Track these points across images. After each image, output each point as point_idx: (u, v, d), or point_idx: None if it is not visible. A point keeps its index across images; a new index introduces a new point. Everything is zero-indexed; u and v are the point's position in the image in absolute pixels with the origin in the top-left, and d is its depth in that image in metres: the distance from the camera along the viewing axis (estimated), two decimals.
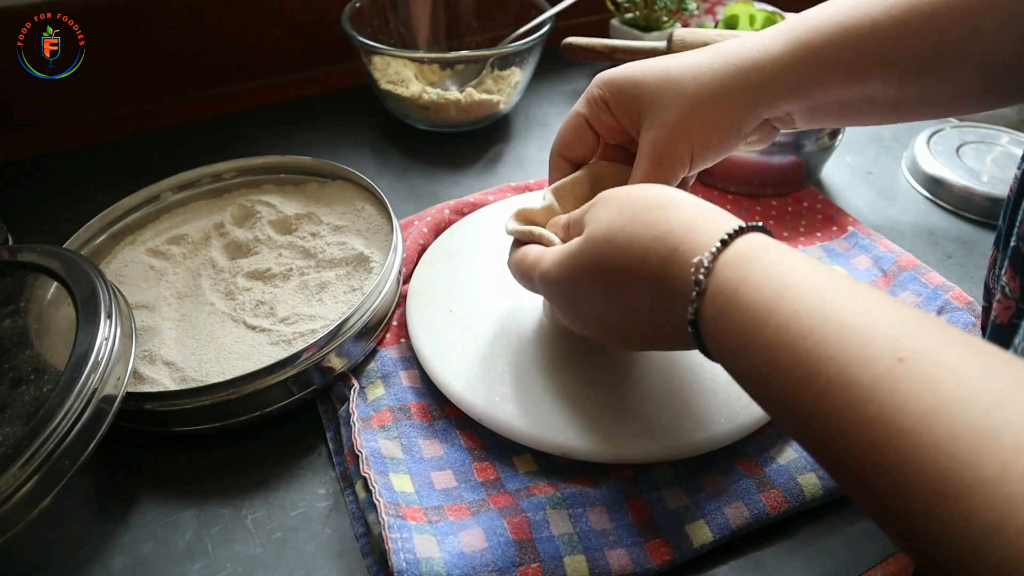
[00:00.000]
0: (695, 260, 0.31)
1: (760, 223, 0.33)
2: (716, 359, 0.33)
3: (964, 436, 0.22)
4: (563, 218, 0.43)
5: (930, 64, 0.39)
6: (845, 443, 0.25)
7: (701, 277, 0.31)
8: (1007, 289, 0.36)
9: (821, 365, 0.26)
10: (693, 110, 0.41)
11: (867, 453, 0.24)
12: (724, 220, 0.33)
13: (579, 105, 0.46)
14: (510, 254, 0.45)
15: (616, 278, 0.35)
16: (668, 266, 0.33)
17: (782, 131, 0.64)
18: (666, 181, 0.42)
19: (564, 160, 0.48)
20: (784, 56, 0.41)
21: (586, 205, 0.40)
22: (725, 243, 0.31)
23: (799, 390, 0.26)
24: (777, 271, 0.29)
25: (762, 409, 0.31)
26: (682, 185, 0.47)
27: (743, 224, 0.32)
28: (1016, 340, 0.32)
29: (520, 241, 0.45)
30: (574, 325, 0.42)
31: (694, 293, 0.31)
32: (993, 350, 0.24)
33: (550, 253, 0.40)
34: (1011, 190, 0.39)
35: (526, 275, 0.42)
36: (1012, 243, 0.36)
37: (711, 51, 0.43)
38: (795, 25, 0.41)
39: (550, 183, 0.48)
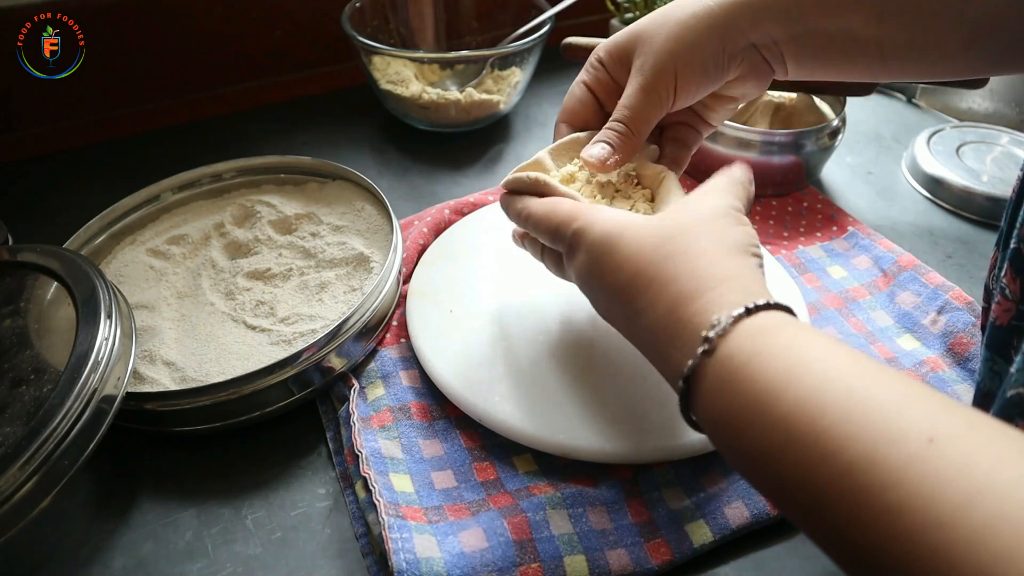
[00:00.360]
0: (713, 318, 0.30)
1: (784, 303, 0.31)
2: (705, 427, 0.31)
3: (1004, 528, 0.20)
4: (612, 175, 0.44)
5: (909, 3, 0.39)
6: (866, 531, 0.23)
7: (713, 335, 0.29)
8: (1007, 291, 0.36)
9: (843, 443, 0.24)
10: (675, 31, 0.42)
11: (893, 542, 0.22)
12: (754, 290, 0.32)
13: (580, 73, 0.47)
14: (514, 208, 0.44)
15: (643, 276, 0.34)
16: (683, 307, 0.31)
17: (782, 132, 0.64)
18: (651, 103, 0.42)
19: (568, 127, 0.48)
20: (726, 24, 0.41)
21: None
22: (749, 311, 0.30)
23: (816, 469, 0.24)
24: (798, 343, 0.28)
25: (760, 491, 0.29)
26: (681, 144, 0.48)
27: (771, 300, 0.31)
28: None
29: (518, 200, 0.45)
30: (578, 278, 0.40)
31: (700, 350, 0.29)
32: (1012, 429, 0.23)
33: (605, 211, 0.38)
34: (1013, 191, 0.39)
35: (555, 230, 0.40)
36: (1012, 244, 0.36)
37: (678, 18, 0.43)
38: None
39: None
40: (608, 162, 0.43)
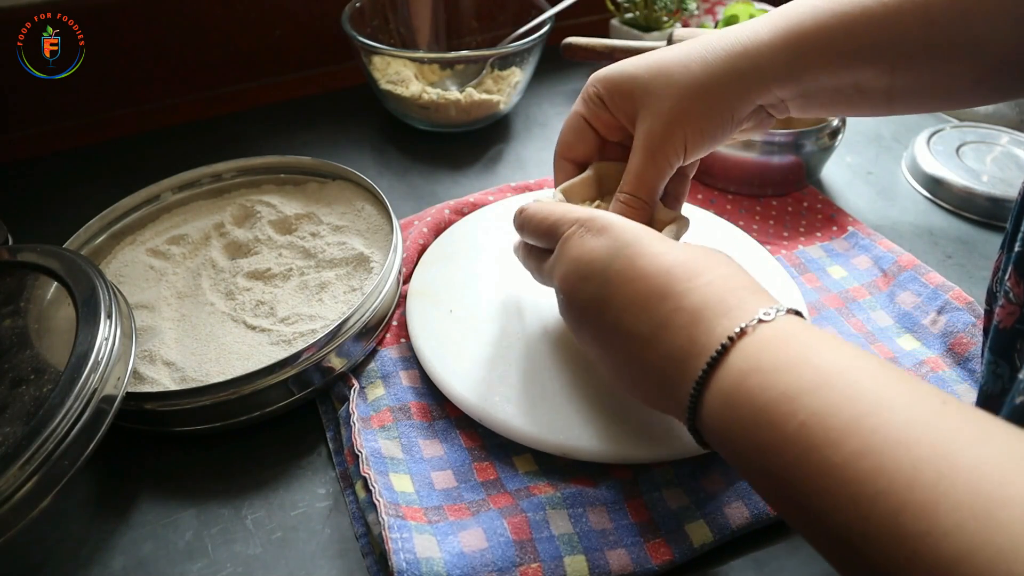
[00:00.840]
0: (735, 330, 0.31)
1: (793, 308, 0.33)
2: (711, 430, 0.32)
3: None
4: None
5: (921, 53, 0.39)
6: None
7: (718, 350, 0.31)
8: (1011, 294, 0.36)
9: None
10: (685, 98, 0.41)
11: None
12: (764, 298, 0.34)
13: (577, 105, 0.46)
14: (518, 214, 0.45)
15: (664, 287, 0.35)
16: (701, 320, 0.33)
17: (781, 132, 0.64)
18: (662, 171, 0.43)
19: (567, 161, 0.48)
20: (776, 42, 0.41)
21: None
22: (766, 317, 0.31)
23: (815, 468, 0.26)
24: (821, 346, 0.30)
25: (758, 489, 0.31)
26: (681, 176, 0.47)
27: (777, 307, 0.32)
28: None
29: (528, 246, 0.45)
30: (564, 275, 0.40)
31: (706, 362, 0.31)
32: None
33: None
34: (1020, 194, 0.39)
35: (552, 226, 0.41)
36: (1017, 248, 0.36)
37: (702, 41, 0.43)
38: (786, 12, 0.41)
39: (555, 185, 0.48)
40: None
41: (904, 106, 0.43)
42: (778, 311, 0.31)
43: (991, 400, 0.39)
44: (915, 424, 0.25)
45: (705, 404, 0.32)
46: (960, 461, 0.24)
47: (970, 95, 0.42)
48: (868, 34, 0.39)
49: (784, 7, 0.42)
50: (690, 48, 0.42)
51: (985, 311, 0.44)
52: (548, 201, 0.44)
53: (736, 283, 0.34)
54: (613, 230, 0.37)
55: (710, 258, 0.36)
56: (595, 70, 0.47)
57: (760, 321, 0.31)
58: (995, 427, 0.25)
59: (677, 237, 0.44)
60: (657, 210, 0.45)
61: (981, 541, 0.21)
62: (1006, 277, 0.37)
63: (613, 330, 0.36)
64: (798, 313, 0.33)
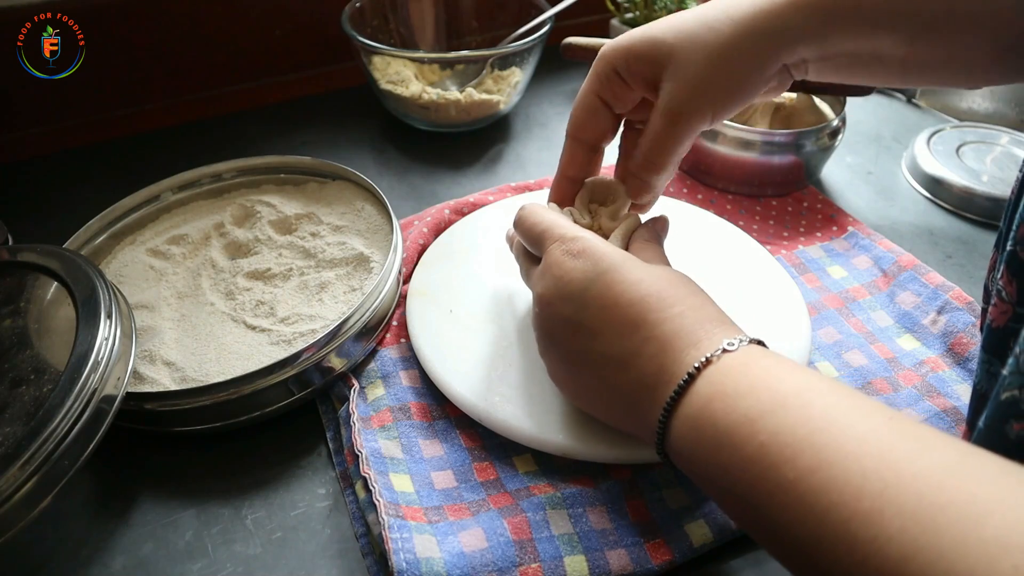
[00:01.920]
0: (695, 363, 0.33)
1: (756, 338, 0.35)
2: (678, 453, 0.34)
3: (972, 551, 0.22)
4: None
5: (944, 23, 0.39)
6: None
7: (691, 372, 0.33)
8: (1003, 293, 0.36)
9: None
10: (714, 60, 0.40)
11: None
12: (730, 329, 0.35)
13: (588, 82, 0.44)
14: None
15: (645, 309, 0.36)
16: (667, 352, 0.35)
17: (781, 132, 0.64)
18: (681, 138, 0.42)
19: (579, 141, 0.46)
20: (799, 1, 0.39)
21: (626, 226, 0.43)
22: (698, 368, 0.33)
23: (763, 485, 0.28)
24: (778, 370, 0.32)
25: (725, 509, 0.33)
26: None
27: (740, 338, 0.34)
28: (1017, 349, 0.32)
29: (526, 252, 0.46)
30: (542, 293, 0.41)
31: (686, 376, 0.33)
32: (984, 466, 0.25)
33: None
34: (1012, 192, 0.39)
35: (539, 236, 0.42)
36: (1008, 247, 0.36)
37: (723, 1, 0.41)
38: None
39: (564, 167, 0.47)
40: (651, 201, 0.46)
41: (918, 78, 0.43)
42: (741, 341, 0.34)
43: (984, 398, 0.39)
44: (863, 438, 0.27)
45: (673, 428, 0.34)
46: (904, 470, 0.25)
47: (983, 73, 0.42)
48: (893, 1, 0.39)
49: None
50: (713, 8, 0.41)
51: (983, 309, 0.44)
52: (543, 207, 0.45)
53: (704, 315, 0.36)
54: (592, 254, 0.38)
55: (680, 288, 0.37)
56: None
57: (724, 351, 0.33)
58: (937, 439, 0.27)
59: (627, 234, 0.44)
60: (604, 216, 0.46)
61: (924, 543, 0.23)
62: (998, 276, 0.37)
63: (584, 352, 0.38)
64: (761, 343, 0.35)
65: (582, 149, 0.46)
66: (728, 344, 0.33)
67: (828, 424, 0.28)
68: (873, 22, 0.40)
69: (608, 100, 0.44)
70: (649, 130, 0.42)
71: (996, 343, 0.37)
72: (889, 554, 0.24)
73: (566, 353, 0.40)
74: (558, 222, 0.42)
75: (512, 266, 0.55)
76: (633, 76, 0.43)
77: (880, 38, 0.40)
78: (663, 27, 0.42)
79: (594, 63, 0.44)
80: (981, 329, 0.43)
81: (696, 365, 0.33)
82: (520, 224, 0.44)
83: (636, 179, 0.45)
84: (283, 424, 0.48)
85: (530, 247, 0.44)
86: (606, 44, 0.44)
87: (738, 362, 0.33)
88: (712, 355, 0.33)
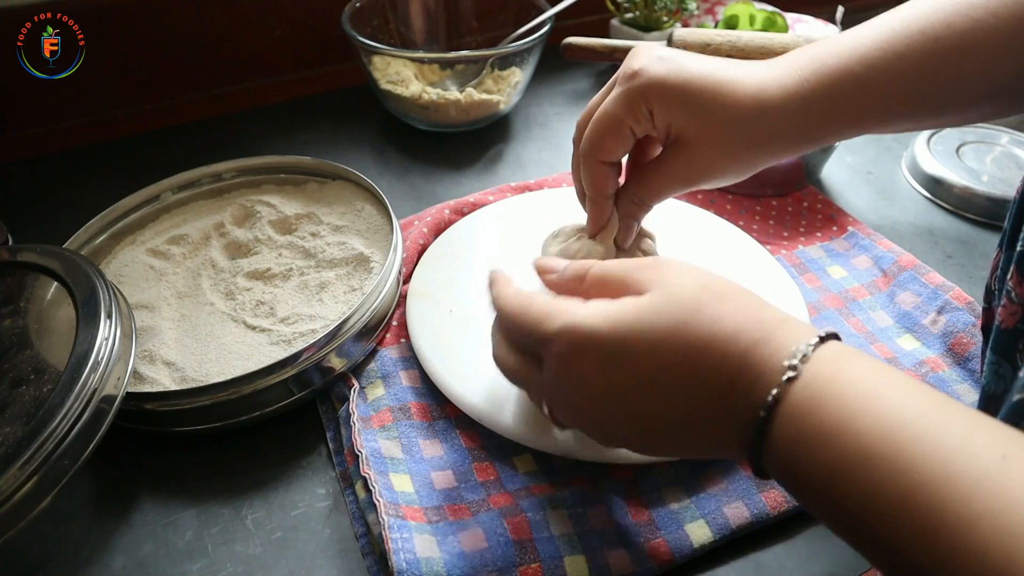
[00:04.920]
0: (793, 348, 0.30)
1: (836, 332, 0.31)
2: (775, 461, 0.30)
3: None
4: (562, 264, 0.38)
5: (949, 106, 0.41)
6: (936, 545, 0.23)
7: (797, 363, 0.29)
8: (1013, 294, 0.36)
9: (919, 459, 0.25)
10: (730, 149, 0.41)
11: (966, 554, 0.23)
12: (807, 326, 0.32)
13: (617, 107, 0.41)
14: (498, 298, 0.38)
15: (689, 351, 0.31)
16: (759, 348, 0.30)
17: None
18: (681, 192, 0.44)
19: (604, 163, 0.43)
20: (818, 99, 0.40)
21: (616, 263, 0.36)
22: (822, 340, 0.30)
23: (889, 485, 0.25)
24: (873, 366, 0.29)
25: (829, 521, 0.29)
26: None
27: (831, 331, 0.31)
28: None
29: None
30: (567, 406, 0.35)
31: (785, 378, 0.29)
32: None
33: (589, 305, 0.33)
34: (1018, 191, 0.39)
35: (528, 329, 0.35)
36: (1019, 247, 0.35)
37: (755, 77, 0.41)
38: (828, 62, 0.40)
39: (600, 189, 0.44)
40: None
41: (918, 129, 0.45)
42: (825, 335, 0.31)
43: (993, 400, 0.39)
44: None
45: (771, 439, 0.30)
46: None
47: (986, 118, 0.45)
48: (902, 100, 0.40)
49: (826, 50, 0.41)
50: (746, 84, 0.40)
51: (984, 309, 0.44)
52: (513, 284, 0.38)
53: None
54: (596, 341, 0.32)
55: (686, 336, 0.32)
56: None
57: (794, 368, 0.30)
58: None
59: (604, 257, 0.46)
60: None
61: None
62: (1007, 277, 0.37)
63: (640, 421, 0.33)
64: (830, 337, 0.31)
65: (611, 169, 0.44)
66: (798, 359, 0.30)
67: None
68: (885, 120, 0.41)
69: (634, 130, 0.42)
70: (659, 181, 0.43)
71: (1005, 345, 0.37)
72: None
73: (618, 431, 0.35)
74: (544, 309, 0.34)
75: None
76: (661, 119, 0.41)
77: (890, 127, 0.42)
78: (701, 84, 0.40)
79: (626, 88, 0.41)
80: (983, 329, 0.43)
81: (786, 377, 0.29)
82: (501, 310, 0.38)
83: (635, 206, 0.45)
84: (283, 424, 0.48)
85: (518, 338, 0.37)
86: (645, 78, 0.40)
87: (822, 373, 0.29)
88: (798, 361, 0.30)
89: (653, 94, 0.40)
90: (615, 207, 0.46)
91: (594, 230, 0.46)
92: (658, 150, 0.45)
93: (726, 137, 0.41)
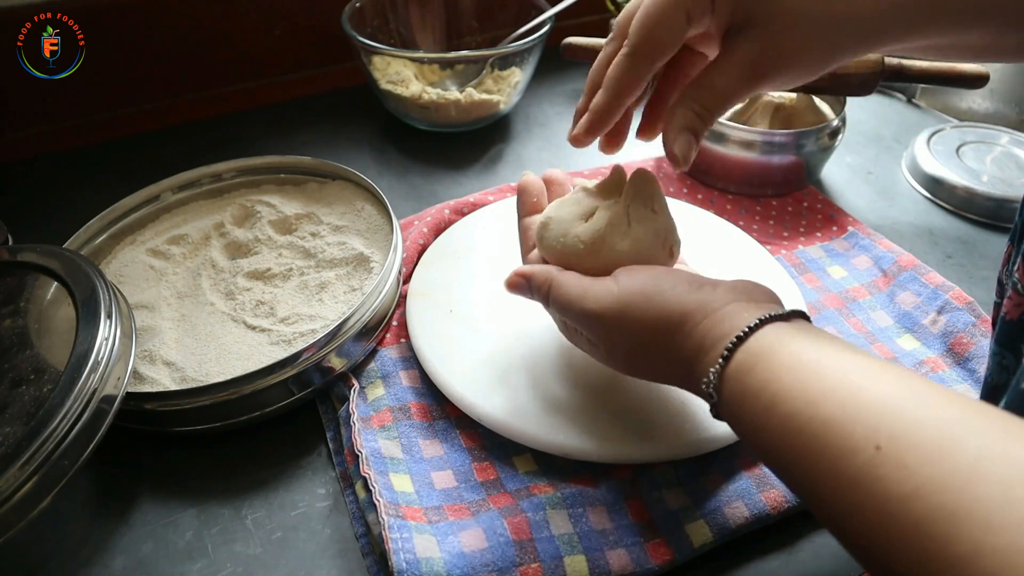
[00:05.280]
0: (703, 381, 0.35)
1: (767, 316, 0.35)
2: (725, 407, 0.35)
3: (939, 517, 0.23)
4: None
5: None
6: (842, 524, 0.27)
7: (711, 392, 0.35)
8: (1019, 286, 0.36)
9: (813, 461, 0.28)
10: (808, 30, 0.36)
11: (861, 533, 0.26)
12: (727, 329, 0.35)
13: None
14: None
15: (667, 326, 0.37)
16: (689, 381, 0.37)
17: (781, 132, 0.64)
18: (743, 97, 0.39)
19: (646, 60, 0.38)
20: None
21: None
22: (726, 358, 0.34)
23: (803, 481, 0.29)
24: (770, 376, 0.32)
25: (764, 461, 0.33)
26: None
27: (739, 335, 0.34)
28: None
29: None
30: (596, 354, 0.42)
31: (710, 404, 0.35)
32: (973, 414, 0.26)
33: (596, 287, 0.39)
34: None
35: (567, 305, 0.40)
36: None
37: None
38: None
39: (626, 88, 0.38)
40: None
41: (991, 59, 0.42)
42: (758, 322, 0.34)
43: (996, 391, 0.39)
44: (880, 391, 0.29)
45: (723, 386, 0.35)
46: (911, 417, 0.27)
47: None
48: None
49: None
50: None
51: (995, 303, 0.44)
52: (567, 279, 0.41)
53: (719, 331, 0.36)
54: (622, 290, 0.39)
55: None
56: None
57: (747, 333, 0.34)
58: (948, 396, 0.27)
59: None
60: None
61: (907, 511, 0.24)
62: (1014, 268, 0.37)
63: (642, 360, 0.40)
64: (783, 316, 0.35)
65: (648, 70, 0.38)
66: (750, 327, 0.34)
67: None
68: (961, 22, 0.37)
69: (691, 13, 0.37)
70: (723, 83, 0.37)
71: (1010, 336, 0.37)
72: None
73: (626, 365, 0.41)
74: (586, 294, 0.40)
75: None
76: (722, 7, 0.36)
77: (967, 34, 0.38)
78: None
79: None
80: (994, 323, 0.43)
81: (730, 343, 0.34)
82: (555, 301, 0.41)
83: (696, 115, 0.38)
84: (283, 424, 0.48)
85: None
86: None
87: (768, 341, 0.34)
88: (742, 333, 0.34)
89: None
90: (670, 119, 0.39)
91: (583, 133, 0.40)
92: (696, 71, 0.40)
93: (804, 13, 0.36)
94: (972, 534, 0.22)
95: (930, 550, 0.23)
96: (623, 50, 0.38)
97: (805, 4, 0.36)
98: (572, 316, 0.40)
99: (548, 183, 0.49)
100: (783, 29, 0.36)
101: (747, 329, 0.34)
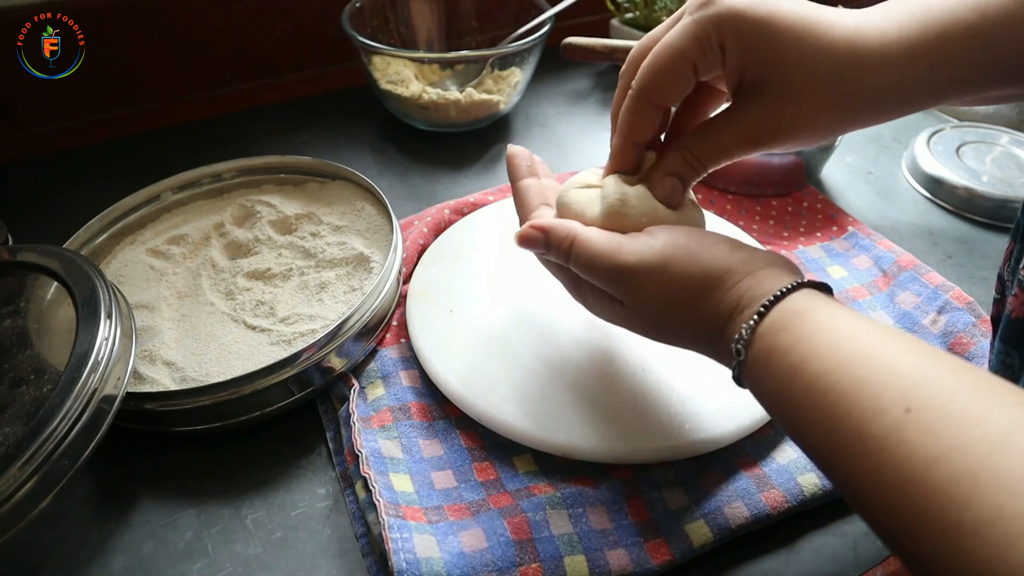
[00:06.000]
0: (734, 338, 0.34)
1: (804, 280, 0.34)
2: (749, 373, 0.34)
3: (963, 481, 0.23)
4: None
5: None
6: (861, 487, 0.27)
7: (741, 348, 0.33)
8: None
9: (840, 420, 0.28)
10: (818, 101, 0.35)
11: (880, 496, 0.26)
12: (767, 288, 0.34)
13: (684, 40, 0.35)
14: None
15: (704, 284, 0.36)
16: (718, 341, 0.36)
17: None
18: (740, 157, 0.38)
19: (653, 105, 0.38)
20: (924, 49, 0.34)
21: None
22: (762, 314, 0.33)
23: (826, 441, 0.29)
24: (803, 334, 0.31)
25: (783, 426, 0.33)
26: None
27: (776, 294, 0.33)
28: None
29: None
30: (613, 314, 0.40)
31: (735, 363, 0.34)
32: (1002, 391, 0.26)
33: (634, 242, 0.37)
34: None
35: (595, 259, 0.37)
36: None
37: (849, 19, 0.35)
38: (932, 8, 0.35)
39: (633, 132, 0.39)
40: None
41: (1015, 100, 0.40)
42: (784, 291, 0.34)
43: None
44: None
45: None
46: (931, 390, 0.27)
47: None
48: (1009, 59, 0.35)
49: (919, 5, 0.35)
50: (837, 31, 0.34)
51: (995, 300, 0.44)
52: (596, 237, 0.38)
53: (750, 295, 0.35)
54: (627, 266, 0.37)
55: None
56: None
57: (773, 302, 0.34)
58: (965, 372, 0.27)
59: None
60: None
61: (933, 474, 0.24)
62: (1020, 267, 0.37)
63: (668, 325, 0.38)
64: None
65: (655, 114, 0.39)
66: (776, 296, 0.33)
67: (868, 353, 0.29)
68: (987, 84, 0.36)
69: (699, 68, 0.36)
70: (723, 139, 0.37)
71: (1015, 334, 0.37)
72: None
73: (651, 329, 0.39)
74: (616, 255, 0.37)
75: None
76: (733, 59, 0.35)
77: (992, 93, 0.37)
78: (786, 21, 0.34)
79: (694, 19, 0.35)
80: (994, 319, 0.43)
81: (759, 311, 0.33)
82: (582, 265, 0.39)
83: (686, 164, 0.39)
84: (283, 424, 0.48)
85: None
86: (719, 7, 0.35)
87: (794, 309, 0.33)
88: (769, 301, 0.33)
89: (728, 27, 0.34)
90: (660, 163, 0.39)
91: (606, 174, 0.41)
92: (715, 109, 0.40)
93: (815, 86, 0.34)
94: (995, 499, 0.22)
95: (951, 513, 0.23)
96: (631, 91, 0.38)
97: (817, 77, 0.34)
98: (599, 271, 0.37)
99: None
100: (792, 102, 0.35)
101: (786, 288, 0.33)
